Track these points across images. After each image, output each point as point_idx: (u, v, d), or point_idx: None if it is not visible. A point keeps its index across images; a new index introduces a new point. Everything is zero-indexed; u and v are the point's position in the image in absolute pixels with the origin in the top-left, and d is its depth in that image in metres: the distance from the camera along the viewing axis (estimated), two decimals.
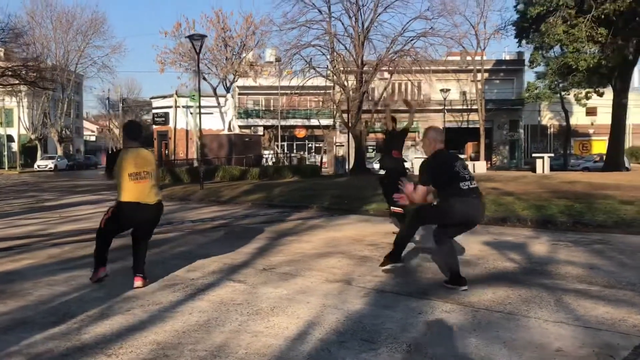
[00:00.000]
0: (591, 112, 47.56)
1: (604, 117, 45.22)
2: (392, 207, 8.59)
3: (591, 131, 50.24)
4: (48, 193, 19.96)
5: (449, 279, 5.02)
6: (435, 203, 5.14)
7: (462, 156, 30.69)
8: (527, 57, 48.03)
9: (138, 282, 5.15)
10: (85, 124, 78.78)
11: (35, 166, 47.98)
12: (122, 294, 4.89)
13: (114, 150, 5.59)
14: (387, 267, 5.48)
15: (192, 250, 7.26)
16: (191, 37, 17.40)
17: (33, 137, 53.55)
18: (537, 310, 4.22)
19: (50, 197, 17.79)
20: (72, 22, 53.09)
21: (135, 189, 5.23)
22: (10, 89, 30.55)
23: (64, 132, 55.57)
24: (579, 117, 46.77)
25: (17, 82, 25.62)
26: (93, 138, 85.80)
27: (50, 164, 47.98)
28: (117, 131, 68.97)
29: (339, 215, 11.32)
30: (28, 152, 54.78)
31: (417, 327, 3.86)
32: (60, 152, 53.44)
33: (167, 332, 3.81)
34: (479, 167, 27.70)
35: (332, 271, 5.77)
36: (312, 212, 12.00)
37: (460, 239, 6.03)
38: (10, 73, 23.95)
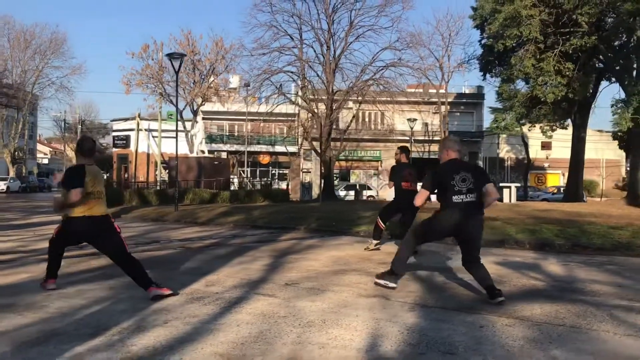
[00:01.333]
0: (546, 146, 49.08)
1: (559, 151, 46.81)
2: (378, 221, 8.66)
3: (546, 165, 51.80)
4: (9, 213, 18.96)
5: (493, 294, 4.82)
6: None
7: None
8: (486, 91, 49.55)
9: (154, 291, 4.79)
10: (38, 146, 76.24)
11: None
12: (148, 307, 4.53)
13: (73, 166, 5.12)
14: (380, 282, 5.32)
15: (198, 267, 6.88)
16: (170, 56, 17.07)
17: None
18: (599, 324, 4.08)
19: (14, 217, 16.88)
20: (31, 41, 51.50)
21: (92, 205, 4.93)
22: None
23: (17, 153, 53.50)
24: (534, 151, 48.12)
25: None
26: (46, 161, 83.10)
27: (2, 185, 45.85)
28: (72, 154, 66.96)
29: (330, 236, 11.07)
30: None
31: (490, 340, 3.65)
32: (12, 173, 51.30)
33: (224, 344, 3.49)
34: None
35: (360, 287, 5.52)
36: (301, 233, 11.72)
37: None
38: None
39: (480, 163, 49.32)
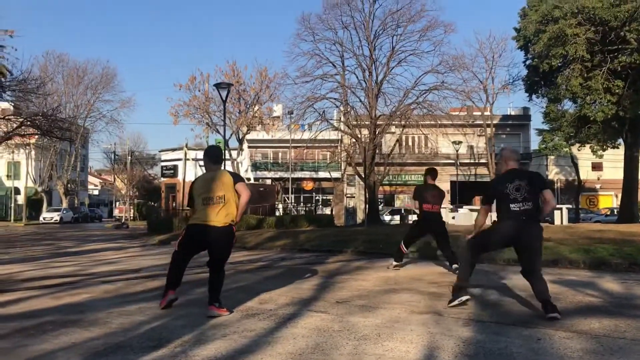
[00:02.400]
0: (597, 166, 47.86)
1: (611, 171, 45.48)
2: (402, 244, 8.91)
3: (598, 186, 50.31)
4: (64, 241, 19.65)
5: (547, 308, 4.76)
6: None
7: (473, 207, 30.26)
8: (532, 112, 48.77)
9: (213, 310, 4.94)
10: (89, 177, 78.75)
11: (41, 218, 47.46)
12: (206, 322, 4.66)
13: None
14: (455, 302, 5.24)
15: (250, 286, 7.02)
16: (218, 86, 17.56)
17: (39, 189, 53.39)
18: None
19: (69, 245, 17.49)
20: (83, 77, 53.84)
21: (203, 212, 5.24)
22: (25, 140, 30.50)
23: (69, 185, 55.45)
24: (585, 172, 46.91)
25: (35, 132, 25.83)
26: (96, 192, 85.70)
27: (55, 216, 47.50)
28: (121, 185, 68.78)
29: (378, 258, 11.05)
30: (33, 205, 54.39)
31: (549, 352, 3.62)
32: (65, 204, 53.12)
33: (283, 355, 3.57)
34: None
35: (412, 304, 5.53)
36: (348, 255, 11.76)
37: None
38: (29, 123, 24.10)
39: None
